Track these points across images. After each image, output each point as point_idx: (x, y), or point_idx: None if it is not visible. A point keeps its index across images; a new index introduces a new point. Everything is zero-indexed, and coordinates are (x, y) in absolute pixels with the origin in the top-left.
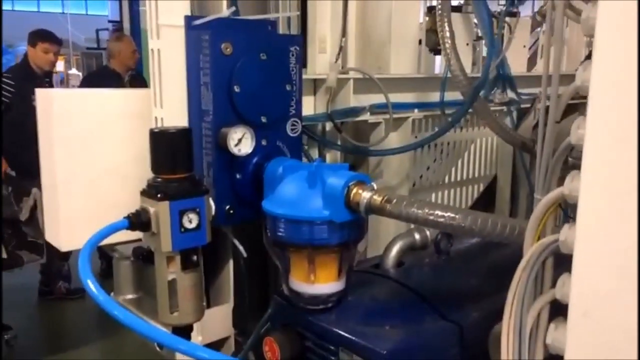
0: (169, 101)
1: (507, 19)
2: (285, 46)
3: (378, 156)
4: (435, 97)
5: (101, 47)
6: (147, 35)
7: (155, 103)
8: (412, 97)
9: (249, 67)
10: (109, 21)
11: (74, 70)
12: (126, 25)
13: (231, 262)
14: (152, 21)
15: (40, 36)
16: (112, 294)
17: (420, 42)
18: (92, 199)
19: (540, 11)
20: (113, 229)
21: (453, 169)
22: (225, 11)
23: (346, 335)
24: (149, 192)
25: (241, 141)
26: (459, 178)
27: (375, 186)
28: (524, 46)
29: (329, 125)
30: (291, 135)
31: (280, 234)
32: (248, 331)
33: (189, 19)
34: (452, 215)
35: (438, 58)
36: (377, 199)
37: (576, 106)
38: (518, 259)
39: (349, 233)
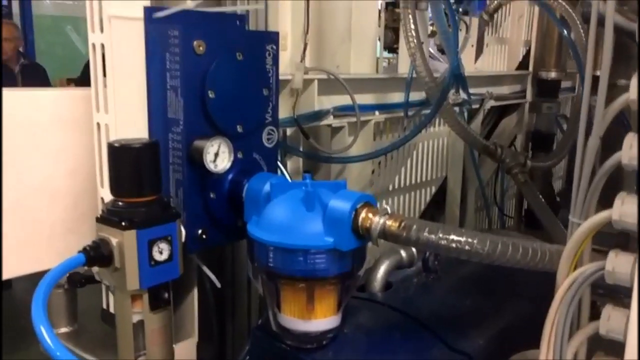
0: (117, 105)
1: (464, 17)
2: (262, 44)
3: (342, 163)
4: (394, 98)
5: None
6: (87, 27)
7: (97, 107)
8: (373, 99)
9: (224, 69)
10: None
11: None
12: (15, 10)
13: (196, 292)
14: (93, 12)
15: None
16: None
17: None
18: (20, 221)
19: (487, 10)
20: (67, 267)
21: (402, 173)
22: (190, 2)
23: None
24: (109, 219)
25: (218, 156)
26: (408, 183)
27: (388, 209)
28: (472, 45)
29: (289, 130)
30: (267, 145)
31: (270, 264)
32: None
33: (148, 11)
34: (482, 242)
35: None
36: (393, 224)
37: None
38: (504, 270)
39: (352, 260)
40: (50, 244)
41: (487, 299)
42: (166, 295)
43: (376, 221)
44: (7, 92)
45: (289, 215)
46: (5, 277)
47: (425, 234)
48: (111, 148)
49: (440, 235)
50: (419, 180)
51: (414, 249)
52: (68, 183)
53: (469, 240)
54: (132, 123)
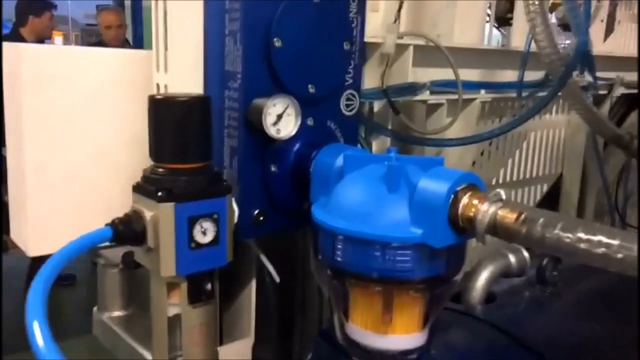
0: (176, 63)
1: None
2: None
3: (438, 147)
4: (504, 76)
5: None
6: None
7: (157, 66)
8: (479, 75)
9: (295, 12)
10: None
11: None
12: (127, 1)
13: (254, 285)
14: None
15: (44, 4)
16: (94, 309)
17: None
18: (70, 193)
19: None
20: (87, 242)
21: (508, 166)
22: None
23: None
24: (145, 188)
25: (282, 118)
26: (515, 178)
27: (502, 195)
28: (602, 20)
29: (377, 105)
30: (346, 113)
31: (338, 258)
32: None
33: None
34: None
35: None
36: (509, 215)
37: None
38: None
39: (447, 261)
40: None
41: (620, 325)
42: (209, 286)
43: (484, 210)
44: (68, 49)
45: (365, 196)
46: (48, 253)
47: (558, 231)
48: (152, 101)
49: (582, 235)
50: (527, 175)
51: (525, 253)
52: (127, 153)
53: (626, 245)
54: (189, 82)
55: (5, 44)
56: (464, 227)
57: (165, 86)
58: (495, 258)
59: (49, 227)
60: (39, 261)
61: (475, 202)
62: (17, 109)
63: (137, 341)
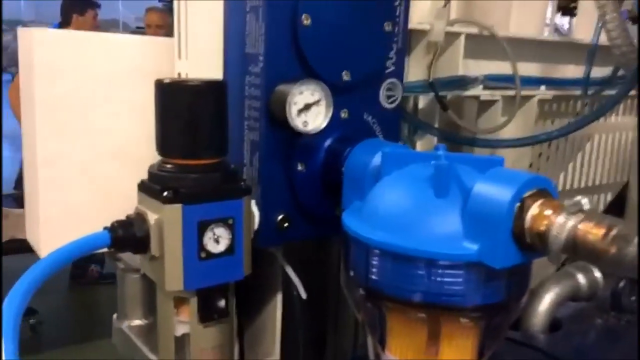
0: (196, 48)
1: None
2: None
3: (491, 147)
4: (567, 71)
5: None
6: None
7: (179, 53)
8: (538, 70)
9: None
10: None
11: None
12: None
13: (279, 299)
14: None
15: (87, 2)
16: (114, 316)
17: None
18: (86, 190)
19: None
20: (82, 247)
21: (569, 171)
22: None
23: None
24: (150, 186)
25: (310, 109)
26: (576, 185)
27: (585, 204)
28: None
29: (422, 101)
30: (386, 105)
31: (374, 276)
32: None
33: None
34: None
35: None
36: (594, 231)
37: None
38: None
39: (508, 285)
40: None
41: None
42: (223, 303)
43: (560, 223)
44: (85, 35)
45: (408, 202)
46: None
47: None
48: (158, 87)
49: None
50: (590, 183)
51: (597, 273)
52: (148, 147)
53: None
54: (210, 69)
55: (19, 29)
56: (532, 244)
57: (187, 75)
58: (561, 278)
59: (62, 227)
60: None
61: (548, 212)
62: (29, 98)
63: (154, 352)
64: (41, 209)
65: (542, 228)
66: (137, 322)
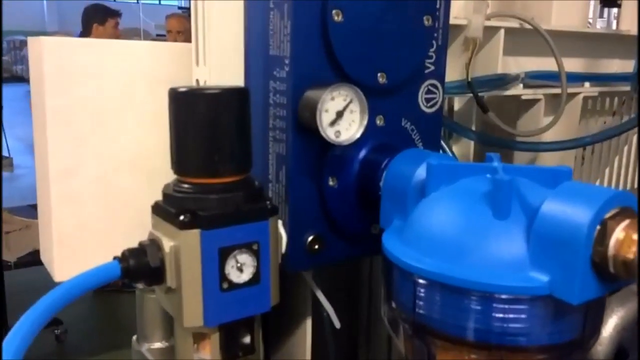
0: (215, 52)
1: None
2: None
3: (533, 151)
4: (611, 66)
5: None
6: None
7: (197, 59)
8: (582, 65)
9: None
10: (179, 7)
11: None
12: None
13: (309, 326)
14: None
15: (107, 11)
16: (134, 338)
17: None
18: (101, 206)
19: None
20: (90, 281)
21: (605, 175)
22: None
23: None
24: (165, 209)
25: (342, 116)
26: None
27: None
28: None
29: (458, 102)
30: (426, 110)
31: (420, 310)
32: None
33: None
34: None
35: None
36: None
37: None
38: None
39: (581, 322)
40: (141, 234)
41: None
42: (248, 339)
43: None
44: (96, 42)
45: (461, 223)
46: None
47: None
48: (173, 96)
49: None
50: (628, 187)
51: None
52: (166, 160)
53: None
54: (231, 75)
55: (29, 38)
56: (617, 273)
57: (205, 82)
58: (627, 299)
59: (76, 247)
60: None
61: (636, 237)
62: (41, 109)
63: None
64: (54, 227)
65: (630, 256)
66: (157, 344)
